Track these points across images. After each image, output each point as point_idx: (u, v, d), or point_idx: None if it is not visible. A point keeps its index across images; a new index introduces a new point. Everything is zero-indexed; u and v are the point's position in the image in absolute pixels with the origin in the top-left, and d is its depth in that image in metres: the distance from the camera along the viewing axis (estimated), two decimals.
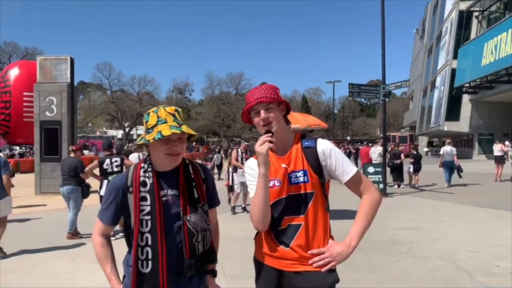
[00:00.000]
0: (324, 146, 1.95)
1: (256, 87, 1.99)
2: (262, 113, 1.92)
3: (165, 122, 1.80)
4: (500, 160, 16.23)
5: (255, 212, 1.91)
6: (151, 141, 1.78)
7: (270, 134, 1.87)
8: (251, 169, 2.06)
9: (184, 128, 1.79)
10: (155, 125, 1.81)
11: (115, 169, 7.17)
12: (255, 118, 1.97)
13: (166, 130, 1.74)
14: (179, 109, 1.90)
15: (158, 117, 1.83)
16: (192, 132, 1.86)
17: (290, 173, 1.94)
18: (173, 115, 1.84)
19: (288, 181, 1.94)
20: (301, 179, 1.92)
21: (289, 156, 1.97)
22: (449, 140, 15.66)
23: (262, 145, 1.83)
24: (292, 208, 1.92)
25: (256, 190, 1.91)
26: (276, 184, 1.94)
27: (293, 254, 1.91)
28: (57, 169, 11.26)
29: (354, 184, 1.94)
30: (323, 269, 1.86)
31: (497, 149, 16.40)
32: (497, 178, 16.01)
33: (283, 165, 1.96)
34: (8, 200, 6.25)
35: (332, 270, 1.89)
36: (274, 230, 1.96)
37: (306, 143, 1.98)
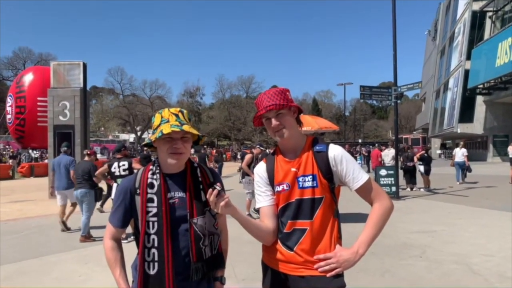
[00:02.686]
0: (335, 152, 1.92)
1: (265, 92, 1.96)
2: (273, 121, 1.91)
3: (167, 121, 1.83)
4: None
5: (253, 236, 1.95)
6: (153, 140, 1.83)
7: (211, 190, 1.70)
8: (259, 177, 2.06)
9: (186, 127, 1.81)
10: (158, 125, 1.85)
11: (122, 173, 7.17)
12: (267, 125, 1.96)
13: (166, 129, 1.77)
14: (184, 111, 1.92)
15: (161, 117, 1.86)
16: (195, 132, 1.86)
17: (299, 177, 1.92)
18: (176, 115, 1.86)
19: (297, 185, 1.91)
20: (310, 183, 1.89)
21: (299, 160, 1.94)
22: (462, 143, 16.89)
23: (216, 206, 1.70)
24: (299, 212, 1.90)
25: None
26: (285, 188, 1.93)
27: (298, 258, 1.89)
28: None
29: (365, 192, 1.91)
30: (328, 275, 1.83)
31: None
32: None
33: (293, 169, 1.93)
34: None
35: (339, 275, 1.85)
36: (280, 234, 1.95)
37: (317, 148, 1.95)
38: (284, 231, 1.93)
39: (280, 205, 1.95)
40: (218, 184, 1.77)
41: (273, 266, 1.98)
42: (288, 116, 1.94)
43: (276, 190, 1.97)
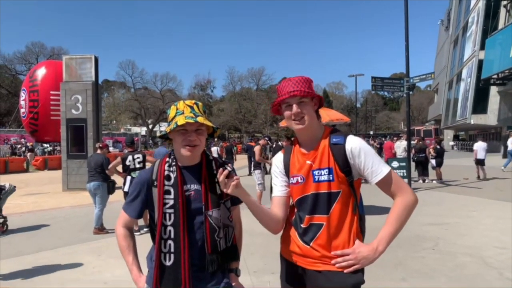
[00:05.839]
0: (353, 144, 1.83)
1: (289, 79, 1.90)
2: (295, 108, 1.84)
3: (182, 113, 1.84)
4: None
5: (261, 222, 1.93)
6: (168, 131, 1.84)
7: (221, 171, 1.71)
8: (276, 167, 2.03)
9: (200, 119, 1.80)
10: (174, 117, 1.85)
11: (137, 165, 7.27)
12: (286, 112, 1.89)
13: (181, 120, 1.78)
14: (199, 103, 1.92)
15: (177, 109, 1.87)
16: (209, 124, 1.86)
17: (314, 170, 1.86)
18: (191, 107, 1.87)
19: (312, 179, 1.86)
20: (325, 177, 1.83)
21: (315, 152, 1.88)
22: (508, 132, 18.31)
23: (226, 188, 1.72)
24: (315, 207, 1.85)
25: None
26: (299, 181, 1.88)
27: (315, 253, 1.85)
28: (83, 166, 11.53)
29: (385, 186, 1.83)
30: (345, 271, 1.79)
31: None
32: None
33: (308, 162, 1.88)
34: None
35: (358, 270, 1.80)
36: (298, 228, 1.92)
37: (334, 139, 1.87)
38: (302, 225, 1.89)
39: (295, 198, 1.91)
40: (229, 164, 1.79)
41: (291, 259, 1.96)
42: (310, 105, 1.88)
43: (290, 182, 1.94)
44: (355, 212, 1.87)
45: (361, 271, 1.82)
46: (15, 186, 7.50)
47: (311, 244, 1.86)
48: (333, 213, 1.83)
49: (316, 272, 1.86)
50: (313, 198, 1.85)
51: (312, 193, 1.85)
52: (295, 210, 1.96)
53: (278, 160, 2.04)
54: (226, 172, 1.69)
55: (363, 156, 1.81)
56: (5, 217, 7.59)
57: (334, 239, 1.83)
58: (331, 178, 1.82)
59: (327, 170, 1.83)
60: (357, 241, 1.83)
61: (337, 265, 1.80)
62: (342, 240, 1.83)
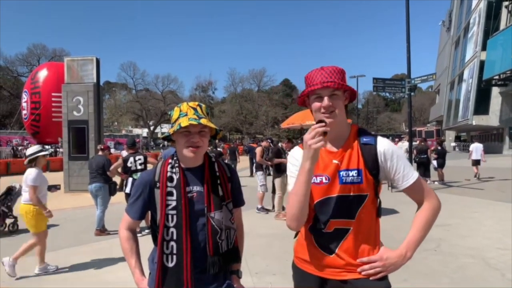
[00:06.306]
0: (385, 146, 1.73)
1: (322, 68, 1.74)
2: (326, 100, 1.68)
3: (186, 115, 1.84)
4: None
5: (291, 209, 1.70)
6: (171, 133, 1.85)
7: (323, 124, 1.56)
8: (295, 160, 1.82)
9: (203, 121, 1.81)
10: (177, 119, 1.86)
11: (139, 167, 7.27)
12: (314, 103, 1.73)
13: (184, 122, 1.78)
14: (202, 105, 1.92)
15: (180, 111, 1.88)
16: (213, 126, 1.86)
17: (341, 170, 1.72)
18: (195, 109, 1.87)
19: (338, 180, 1.72)
20: (354, 179, 1.70)
21: (342, 152, 1.75)
22: None
23: (315, 139, 1.54)
24: (341, 210, 1.71)
25: (295, 185, 1.67)
26: (324, 181, 1.73)
27: (339, 261, 1.73)
28: (85, 168, 11.53)
29: (414, 191, 1.75)
30: (371, 278, 1.70)
31: None
32: None
33: (335, 161, 1.74)
34: None
35: (384, 277, 1.73)
36: (317, 234, 1.77)
37: (365, 139, 1.76)
38: (324, 230, 1.74)
39: (317, 198, 1.75)
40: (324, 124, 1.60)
41: (309, 270, 1.82)
42: (341, 100, 1.73)
43: (312, 181, 1.73)
44: (379, 216, 1.81)
45: (387, 277, 1.76)
46: None
47: (336, 251, 1.74)
48: (360, 218, 1.72)
49: (342, 283, 1.75)
50: (339, 200, 1.71)
51: (338, 195, 1.72)
52: (312, 214, 1.78)
53: (298, 154, 1.82)
54: (327, 129, 1.56)
55: (396, 159, 1.73)
56: (15, 217, 7.67)
57: (360, 245, 1.74)
58: (359, 180, 1.70)
59: (356, 171, 1.71)
60: (383, 247, 1.77)
61: (363, 272, 1.71)
62: (368, 246, 1.75)
